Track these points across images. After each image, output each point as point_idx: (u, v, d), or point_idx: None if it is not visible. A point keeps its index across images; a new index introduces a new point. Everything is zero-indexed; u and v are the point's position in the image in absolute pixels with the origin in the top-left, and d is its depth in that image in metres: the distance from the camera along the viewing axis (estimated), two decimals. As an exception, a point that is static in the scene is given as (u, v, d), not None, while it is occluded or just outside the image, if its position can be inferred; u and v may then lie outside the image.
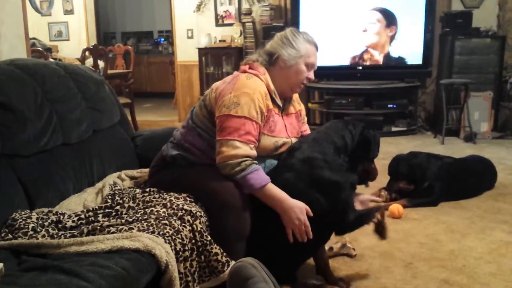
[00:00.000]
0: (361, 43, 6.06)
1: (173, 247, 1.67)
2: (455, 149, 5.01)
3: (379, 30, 5.99)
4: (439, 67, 6.10)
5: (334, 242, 2.58)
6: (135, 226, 1.71)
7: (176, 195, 2.00)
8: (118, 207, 1.92)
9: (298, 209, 1.90)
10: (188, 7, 6.95)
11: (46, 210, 1.86)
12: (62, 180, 2.08)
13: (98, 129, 2.45)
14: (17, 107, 1.94)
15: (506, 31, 5.89)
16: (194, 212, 1.88)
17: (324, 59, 5.95)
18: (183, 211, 1.85)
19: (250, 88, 1.98)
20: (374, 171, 2.28)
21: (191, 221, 1.83)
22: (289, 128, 2.16)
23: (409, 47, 5.98)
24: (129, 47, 7.29)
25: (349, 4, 6.10)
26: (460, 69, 5.72)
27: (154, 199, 1.97)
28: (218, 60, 6.65)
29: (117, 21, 11.21)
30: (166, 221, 1.76)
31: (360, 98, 5.95)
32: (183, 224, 1.80)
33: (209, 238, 1.85)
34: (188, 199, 1.99)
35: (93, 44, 6.73)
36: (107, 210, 1.90)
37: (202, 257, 1.83)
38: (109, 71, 5.87)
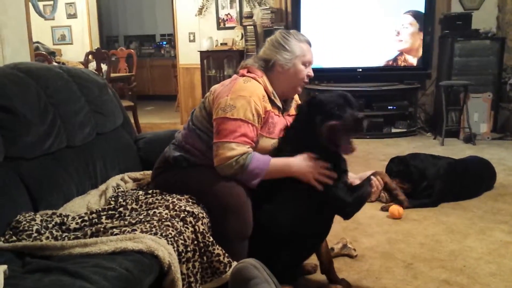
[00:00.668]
0: (361, 45, 6.08)
1: (175, 248, 1.69)
2: (455, 150, 5.03)
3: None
4: (439, 69, 6.11)
5: (335, 243, 2.61)
6: (138, 228, 1.73)
7: (178, 196, 2.02)
8: (121, 209, 1.94)
9: (304, 162, 1.93)
10: (190, 11, 6.98)
11: (50, 212, 1.88)
12: (66, 182, 2.10)
13: (102, 132, 2.48)
14: (21, 111, 1.96)
15: (506, 32, 5.90)
16: (196, 213, 1.90)
17: (324, 61, 6.00)
18: (186, 213, 1.87)
19: (246, 91, 2.00)
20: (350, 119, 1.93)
21: (193, 223, 1.85)
22: None
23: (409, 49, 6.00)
24: (132, 50, 7.32)
25: (348, 6, 6.11)
26: (460, 71, 5.74)
27: (156, 201, 1.99)
28: (220, 63, 6.67)
29: (120, 25, 11.25)
30: (168, 223, 1.78)
31: (360, 100, 5.93)
32: (186, 226, 1.82)
33: (211, 239, 1.87)
34: (191, 200, 2.01)
35: (96, 47, 6.79)
36: (110, 212, 1.92)
37: (205, 258, 1.85)
38: (112, 75, 5.91)
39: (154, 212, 1.87)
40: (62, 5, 8.43)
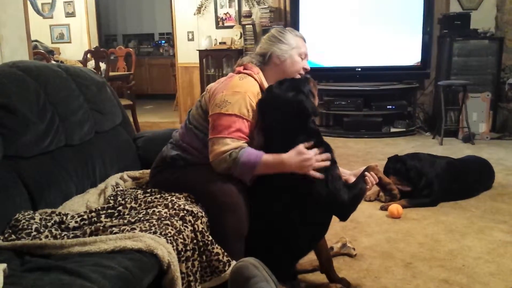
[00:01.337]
0: (360, 44, 6.08)
1: (175, 247, 1.69)
2: (454, 149, 5.03)
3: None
4: (438, 68, 6.12)
5: (334, 242, 2.61)
6: (137, 227, 1.73)
7: (177, 195, 2.02)
8: (120, 208, 1.93)
9: (297, 153, 1.91)
10: (189, 10, 6.98)
11: (49, 211, 1.88)
12: (65, 181, 2.10)
13: (100, 131, 2.47)
14: (20, 109, 1.96)
15: (504, 32, 5.91)
16: (195, 212, 1.90)
17: (323, 60, 6.00)
18: (185, 212, 1.87)
19: (242, 87, 2.02)
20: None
21: (192, 221, 1.85)
22: None
23: (408, 48, 6.01)
24: (131, 49, 7.32)
25: (347, 5, 6.11)
26: (459, 71, 5.75)
27: (155, 200, 1.99)
28: (219, 62, 6.67)
29: (119, 24, 11.24)
30: (168, 222, 1.78)
31: (359, 99, 5.97)
32: (185, 224, 1.82)
33: (210, 238, 1.87)
34: (190, 199, 2.01)
35: (94, 46, 6.77)
36: (109, 211, 1.91)
37: (204, 257, 1.85)
38: (111, 73, 5.90)
39: (154, 211, 1.86)
40: (61, 3, 8.41)
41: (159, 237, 1.67)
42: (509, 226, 3.01)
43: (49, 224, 1.77)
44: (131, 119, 3.80)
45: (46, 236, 1.67)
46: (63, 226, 1.79)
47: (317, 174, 1.92)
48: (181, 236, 1.75)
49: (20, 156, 1.94)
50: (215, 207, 1.97)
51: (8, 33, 3.01)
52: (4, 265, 1.39)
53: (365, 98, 5.99)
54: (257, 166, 1.92)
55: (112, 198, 2.07)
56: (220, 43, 6.84)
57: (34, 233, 1.67)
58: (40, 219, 1.77)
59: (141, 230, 1.70)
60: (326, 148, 2.01)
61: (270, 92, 2.03)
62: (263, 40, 2.23)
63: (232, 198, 1.96)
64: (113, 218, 1.86)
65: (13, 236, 1.67)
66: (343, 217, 2.03)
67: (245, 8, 6.69)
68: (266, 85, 2.11)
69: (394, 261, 2.54)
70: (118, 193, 2.12)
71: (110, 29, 11.21)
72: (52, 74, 2.29)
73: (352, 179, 2.10)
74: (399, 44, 6.02)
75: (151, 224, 1.75)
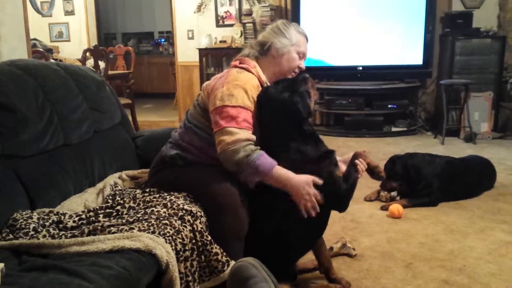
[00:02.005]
0: (362, 43, 6.07)
1: (173, 247, 1.68)
2: (455, 149, 5.02)
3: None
4: (440, 67, 6.11)
5: (334, 242, 2.60)
6: (135, 226, 1.72)
7: (176, 194, 2.01)
8: (119, 207, 1.92)
9: (306, 184, 1.90)
10: (189, 8, 6.97)
11: (47, 210, 1.87)
12: (63, 180, 2.09)
13: (99, 130, 2.46)
14: (18, 108, 1.95)
15: (507, 31, 5.90)
16: (194, 212, 1.89)
17: (324, 59, 5.99)
18: (184, 211, 1.86)
19: (242, 80, 2.02)
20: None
21: (191, 221, 1.84)
22: None
23: (410, 47, 5.99)
24: (130, 48, 7.30)
25: (348, 4, 6.10)
26: (461, 70, 5.73)
27: (154, 199, 1.97)
28: (219, 60, 6.67)
29: (118, 22, 11.24)
30: (166, 221, 1.76)
31: (361, 99, 5.96)
32: (184, 224, 1.80)
33: (209, 238, 1.86)
34: (188, 198, 2.00)
35: (93, 45, 6.75)
36: (108, 210, 1.90)
37: (203, 257, 1.84)
38: (110, 72, 5.89)
39: (152, 210, 1.85)
40: (60, 1, 8.40)
41: (157, 237, 1.66)
42: (510, 226, 2.99)
43: (47, 223, 1.76)
44: (130, 118, 3.79)
45: (44, 236, 1.66)
46: (61, 225, 1.78)
47: (304, 213, 1.92)
48: (180, 236, 1.74)
49: (18, 155, 1.93)
50: (214, 207, 1.96)
51: (7, 31, 2.99)
52: (1, 265, 1.39)
53: (367, 97, 5.98)
54: (268, 173, 1.89)
55: (110, 197, 2.06)
56: (220, 41, 6.83)
57: (32, 232, 1.66)
58: (38, 219, 1.76)
59: (139, 230, 1.69)
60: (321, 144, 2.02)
61: (266, 92, 2.03)
62: (267, 29, 2.23)
63: (231, 198, 1.94)
64: (112, 218, 1.84)
65: (11, 236, 1.66)
66: (342, 209, 2.05)
67: (245, 6, 6.69)
68: (264, 78, 2.11)
69: (394, 262, 2.53)
70: (117, 192, 2.11)
71: (110, 28, 11.21)
72: (51, 73, 2.27)
73: (343, 167, 2.10)
74: (401, 43, 6.01)
75: (150, 224, 1.74)
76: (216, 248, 1.86)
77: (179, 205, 1.90)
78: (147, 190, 2.11)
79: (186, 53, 7.12)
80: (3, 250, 1.58)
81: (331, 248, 2.51)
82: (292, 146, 1.96)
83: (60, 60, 6.07)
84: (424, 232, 2.92)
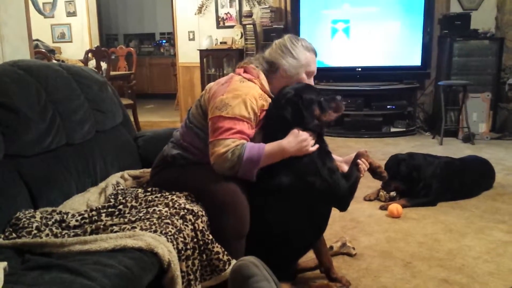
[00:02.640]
0: (360, 44, 6.09)
1: (175, 246, 1.70)
2: (454, 149, 5.04)
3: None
4: (438, 68, 6.12)
5: (334, 241, 2.61)
6: (138, 225, 1.73)
7: (178, 194, 2.03)
8: (121, 207, 1.94)
9: (294, 137, 1.95)
10: (190, 10, 6.99)
11: (49, 209, 1.88)
12: (66, 180, 2.10)
13: (101, 130, 2.48)
14: (21, 108, 1.96)
15: (504, 33, 5.91)
16: (195, 211, 1.91)
17: (323, 60, 6.01)
18: (185, 211, 1.88)
19: (242, 90, 2.01)
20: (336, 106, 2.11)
21: (193, 220, 1.85)
22: None
23: (408, 49, 6.01)
24: (131, 49, 7.31)
25: (347, 5, 6.12)
26: (459, 71, 5.76)
27: (156, 199, 1.99)
28: (219, 61, 6.68)
29: (120, 23, 11.25)
30: (168, 220, 1.78)
31: (360, 99, 5.97)
32: (185, 223, 1.82)
33: (210, 237, 1.88)
34: (190, 198, 2.02)
35: (95, 46, 6.77)
36: (110, 210, 1.92)
37: (204, 255, 1.85)
38: (112, 73, 5.90)
39: (154, 209, 1.87)
40: (62, 3, 8.41)
41: (159, 236, 1.67)
42: (508, 226, 3.01)
43: (50, 222, 1.77)
44: (132, 118, 3.81)
45: (47, 235, 1.68)
46: (63, 224, 1.80)
47: (314, 148, 1.97)
48: (181, 235, 1.76)
49: (21, 155, 1.95)
50: (215, 206, 1.97)
51: (9, 32, 3.01)
52: (4, 263, 1.40)
53: (366, 98, 6.00)
54: (262, 158, 1.93)
55: (112, 197, 2.07)
56: (220, 42, 6.85)
57: (35, 231, 1.68)
58: (41, 218, 1.77)
59: (141, 229, 1.70)
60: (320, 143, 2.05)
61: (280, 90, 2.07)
62: (274, 46, 2.19)
63: (232, 197, 1.96)
64: (114, 217, 1.86)
65: (14, 235, 1.68)
66: (343, 208, 2.07)
67: (246, 8, 6.71)
68: (267, 88, 2.11)
69: (393, 261, 2.54)
70: (119, 192, 2.12)
71: (111, 29, 11.22)
72: (53, 74, 2.29)
73: (344, 167, 2.14)
74: (399, 44, 6.03)
75: (152, 223, 1.76)
76: (217, 247, 1.88)
77: (180, 204, 1.92)
78: (149, 189, 2.12)
79: (187, 54, 7.14)
80: (6, 249, 1.60)
81: (331, 247, 2.53)
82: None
83: (62, 61, 6.08)
84: (423, 231, 2.94)
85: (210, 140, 1.99)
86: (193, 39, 7.11)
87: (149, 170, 2.35)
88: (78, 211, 1.92)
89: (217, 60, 6.73)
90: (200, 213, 1.92)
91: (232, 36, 6.77)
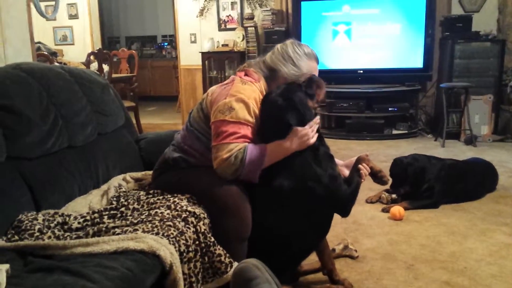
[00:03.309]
0: (362, 46, 6.10)
1: (177, 248, 1.70)
2: (456, 152, 5.03)
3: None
4: (440, 70, 6.12)
5: (336, 244, 2.61)
6: (140, 228, 1.73)
7: (180, 196, 2.03)
8: (123, 209, 1.94)
9: (296, 135, 1.94)
10: (191, 12, 7.00)
11: (52, 211, 1.89)
12: (68, 182, 2.11)
13: (103, 132, 2.49)
14: (23, 111, 1.97)
15: (506, 35, 5.91)
16: (197, 213, 1.91)
17: (325, 62, 6.01)
18: (187, 213, 1.88)
19: (244, 94, 2.00)
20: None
21: (195, 223, 1.85)
22: None
23: (410, 51, 6.01)
24: (133, 51, 7.35)
25: (349, 7, 6.12)
26: (461, 73, 5.76)
27: (158, 201, 1.99)
28: (221, 64, 6.69)
29: (121, 26, 11.27)
30: (170, 223, 1.78)
31: (361, 102, 5.98)
32: (187, 226, 1.82)
33: (212, 239, 1.88)
34: (192, 200, 2.02)
35: (97, 48, 6.78)
36: (112, 212, 1.92)
37: (206, 258, 1.85)
38: (114, 75, 5.92)
39: (156, 212, 1.87)
40: (64, 5, 8.44)
41: (161, 238, 1.67)
42: (511, 228, 3.00)
43: (52, 225, 1.77)
44: (134, 120, 3.81)
45: (49, 237, 1.68)
46: (66, 227, 1.80)
47: (315, 138, 1.98)
48: (183, 237, 1.76)
49: (24, 157, 1.95)
50: (217, 209, 1.97)
51: (11, 35, 3.02)
52: (7, 266, 1.40)
53: (367, 100, 6.00)
54: (264, 159, 1.93)
55: (114, 199, 2.07)
56: (222, 45, 6.86)
57: (37, 233, 1.68)
58: (43, 220, 1.77)
59: (143, 231, 1.70)
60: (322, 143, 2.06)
61: (266, 97, 2.04)
62: (276, 51, 2.18)
63: (234, 200, 1.96)
64: (116, 219, 1.86)
65: (16, 237, 1.68)
66: (345, 213, 2.06)
67: (247, 11, 6.72)
68: (266, 92, 2.10)
69: (396, 263, 2.54)
70: (121, 194, 2.13)
71: (113, 31, 11.25)
72: (55, 76, 2.30)
73: (345, 171, 2.15)
74: (401, 47, 6.03)
75: (154, 225, 1.76)
76: (219, 249, 1.88)
77: (182, 206, 1.92)
78: (151, 192, 2.13)
79: (189, 56, 7.15)
80: (8, 251, 1.60)
81: (333, 250, 2.53)
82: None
83: (65, 64, 6.09)
84: (425, 234, 2.93)
85: (213, 144, 1.98)
86: (195, 41, 7.12)
87: (151, 172, 2.35)
88: (80, 214, 1.92)
89: (218, 63, 6.74)
90: (202, 215, 1.92)
91: (234, 38, 6.78)
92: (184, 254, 1.73)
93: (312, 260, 2.30)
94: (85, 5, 8.59)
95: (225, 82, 2.15)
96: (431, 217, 3.20)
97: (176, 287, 1.66)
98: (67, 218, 1.84)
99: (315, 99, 2.08)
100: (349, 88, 6.06)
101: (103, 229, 1.74)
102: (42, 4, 4.42)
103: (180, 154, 2.15)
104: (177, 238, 1.73)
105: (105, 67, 5.78)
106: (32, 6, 3.64)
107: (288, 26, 6.40)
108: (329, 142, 2.12)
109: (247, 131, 1.96)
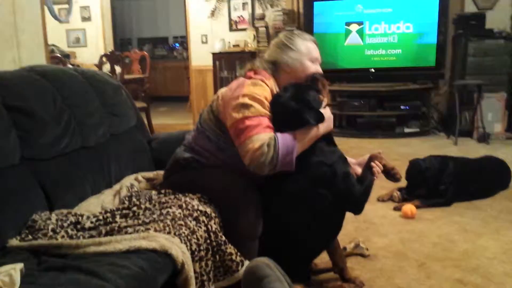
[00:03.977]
0: (374, 45, 6.07)
1: (188, 247, 1.71)
2: (469, 150, 4.99)
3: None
4: (453, 68, 6.08)
5: (347, 242, 2.61)
6: (151, 227, 1.75)
7: (191, 195, 2.04)
8: (135, 208, 1.96)
9: (322, 124, 1.99)
10: (202, 13, 7.03)
11: (65, 211, 1.91)
12: (81, 182, 2.13)
13: (116, 133, 2.51)
14: (37, 112, 2.00)
15: (520, 32, 5.85)
16: (208, 212, 1.92)
17: (337, 61, 6.00)
18: (198, 212, 1.89)
19: (257, 92, 1.97)
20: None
21: (206, 222, 1.87)
22: None
23: (423, 49, 5.98)
24: (145, 52, 7.38)
25: (360, 6, 6.10)
26: (474, 71, 5.71)
27: (169, 200, 2.01)
28: (232, 64, 6.71)
29: (133, 28, 11.36)
30: (181, 222, 1.80)
31: (373, 100, 5.96)
32: (198, 225, 1.83)
33: (223, 238, 1.89)
34: (203, 200, 2.03)
35: (110, 50, 6.84)
36: (124, 211, 1.93)
37: (217, 256, 1.86)
38: (126, 76, 5.97)
39: (168, 211, 1.89)
40: (77, 8, 8.52)
41: (173, 237, 1.69)
42: (525, 226, 2.98)
43: (65, 224, 1.79)
44: (145, 121, 3.84)
45: (62, 236, 1.70)
46: (78, 226, 1.81)
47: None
48: (194, 236, 1.77)
49: (37, 158, 1.98)
50: (228, 208, 1.98)
51: (25, 38, 3.06)
52: (21, 265, 1.42)
53: (379, 98, 5.98)
54: (296, 144, 1.89)
55: (127, 199, 2.09)
56: (233, 45, 6.88)
57: (51, 233, 1.70)
58: (56, 220, 1.80)
59: (155, 230, 1.72)
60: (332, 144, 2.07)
61: (275, 100, 2.01)
62: (271, 46, 2.19)
63: (245, 199, 1.97)
64: (128, 219, 1.88)
65: (30, 236, 1.70)
66: (358, 211, 2.05)
67: (258, 11, 6.73)
68: (276, 91, 2.08)
69: (407, 261, 2.53)
70: (133, 194, 2.14)
71: (125, 33, 11.34)
72: (68, 78, 2.33)
73: (358, 169, 2.13)
74: (413, 45, 5.99)
75: (165, 225, 1.77)
76: (230, 248, 1.89)
77: (193, 206, 1.93)
78: (162, 191, 2.14)
79: (200, 57, 7.18)
80: (22, 250, 1.62)
81: (345, 248, 2.53)
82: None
83: (78, 66, 6.16)
84: (437, 232, 2.92)
85: (240, 142, 1.90)
86: (206, 42, 7.15)
87: (162, 172, 2.36)
88: (93, 213, 1.94)
89: (229, 63, 6.76)
90: (213, 214, 1.94)
91: (245, 39, 6.79)
92: (196, 253, 1.75)
93: (327, 258, 2.30)
94: (97, 8, 8.66)
95: (234, 84, 2.10)
96: (443, 215, 3.19)
97: (187, 285, 1.67)
98: (80, 218, 1.86)
99: (323, 92, 2.09)
100: (361, 87, 6.05)
101: (116, 228, 1.76)
102: (56, 8, 4.48)
103: (191, 155, 2.16)
104: (189, 237, 1.74)
105: (117, 69, 5.83)
106: (46, 9, 3.68)
107: (299, 26, 6.40)
108: (340, 141, 2.13)
109: (269, 123, 1.93)
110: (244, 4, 6.86)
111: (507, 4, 6.00)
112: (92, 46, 8.71)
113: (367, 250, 2.60)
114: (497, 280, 2.32)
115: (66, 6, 6.33)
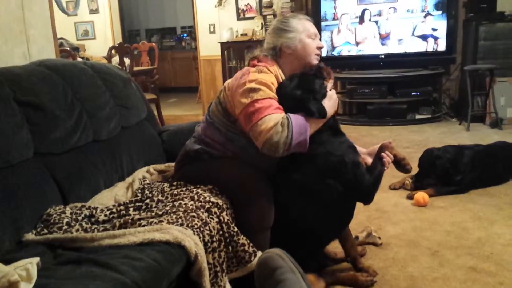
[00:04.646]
0: (383, 30, 6.01)
1: (201, 239, 1.72)
2: (481, 135, 4.95)
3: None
4: (464, 53, 6.01)
5: (359, 231, 2.61)
6: (164, 219, 1.76)
7: (202, 187, 2.05)
8: (148, 201, 1.97)
9: (329, 101, 2.01)
10: (210, 2, 7.01)
11: (79, 205, 1.93)
12: (94, 175, 2.15)
13: (127, 126, 2.52)
14: (49, 107, 2.01)
15: (532, 14, 5.76)
16: (220, 204, 1.93)
17: (346, 48, 5.95)
18: (210, 204, 1.90)
19: (263, 78, 1.98)
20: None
21: (218, 213, 1.88)
22: None
23: (433, 33, 5.91)
24: (153, 43, 7.38)
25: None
26: (485, 55, 5.63)
27: (181, 192, 2.02)
28: (240, 53, 6.68)
29: (141, 19, 11.35)
30: (194, 214, 1.81)
31: (383, 87, 5.91)
32: (211, 216, 1.84)
33: (235, 229, 1.90)
34: (214, 191, 2.04)
35: (118, 42, 6.84)
36: (137, 204, 1.95)
37: (230, 247, 1.87)
38: (135, 68, 5.97)
39: (180, 203, 1.90)
40: (84, 1, 8.53)
41: (186, 229, 1.70)
42: (539, 212, 2.96)
43: (80, 218, 1.81)
44: (155, 113, 3.85)
45: (77, 230, 1.72)
46: (93, 219, 1.84)
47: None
48: (207, 227, 1.78)
49: (50, 153, 2.00)
50: (239, 199, 1.99)
51: (35, 33, 3.06)
52: (37, 259, 1.44)
53: (389, 85, 5.93)
54: (308, 123, 1.89)
55: (139, 191, 2.10)
56: (241, 34, 6.85)
57: (65, 227, 1.72)
58: (71, 213, 1.82)
59: (168, 223, 1.73)
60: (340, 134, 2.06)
61: (281, 89, 2.02)
62: (268, 35, 2.20)
63: (256, 189, 1.97)
64: (141, 211, 1.89)
65: (45, 230, 1.73)
66: (367, 201, 2.05)
67: (266, -1, 6.68)
68: (281, 77, 2.09)
69: (420, 250, 2.53)
70: (145, 186, 2.16)
71: (133, 24, 11.34)
72: (78, 72, 2.34)
73: (368, 159, 2.12)
74: (423, 30, 5.92)
75: (178, 217, 1.78)
76: (242, 239, 1.90)
77: (205, 197, 1.94)
78: (174, 183, 2.15)
79: (208, 47, 7.17)
80: (38, 244, 1.65)
81: (357, 238, 2.53)
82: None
83: (87, 59, 6.18)
84: (450, 220, 2.90)
85: (252, 124, 1.89)
86: (214, 32, 7.13)
87: (173, 164, 2.37)
88: (107, 206, 1.96)
89: (238, 52, 6.73)
90: (224, 206, 1.94)
91: (253, 27, 6.76)
92: (209, 244, 1.76)
93: (336, 248, 2.30)
94: (105, 0, 8.66)
95: (239, 73, 2.10)
96: (456, 203, 3.17)
97: (201, 276, 1.68)
98: (94, 211, 1.88)
99: (328, 79, 2.09)
100: (371, 73, 6.00)
101: (129, 221, 1.77)
102: (64, 1, 4.48)
103: (201, 146, 2.16)
104: (201, 229, 1.75)
105: (126, 61, 5.83)
106: (54, 3, 3.68)
107: (307, 13, 6.34)
108: (350, 128, 2.13)
109: (278, 104, 1.94)
110: (251, -8, 6.83)
111: (519, -14, 5.91)
112: (100, 39, 8.72)
113: (379, 239, 2.60)
114: (511, 267, 2.31)
115: (74, -2, 6.34)
